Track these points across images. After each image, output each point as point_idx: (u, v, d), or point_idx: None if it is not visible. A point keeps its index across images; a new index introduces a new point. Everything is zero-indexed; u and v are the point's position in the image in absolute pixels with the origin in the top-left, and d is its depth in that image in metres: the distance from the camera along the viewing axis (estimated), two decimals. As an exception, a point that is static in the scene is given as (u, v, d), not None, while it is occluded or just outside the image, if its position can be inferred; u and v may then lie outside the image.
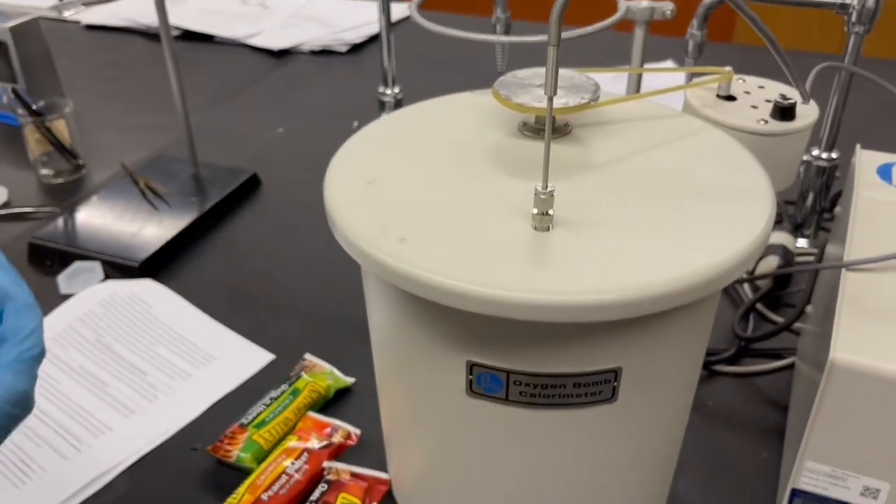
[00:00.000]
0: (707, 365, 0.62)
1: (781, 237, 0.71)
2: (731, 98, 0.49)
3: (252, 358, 0.64)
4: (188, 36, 1.31)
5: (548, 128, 0.35)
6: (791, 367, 0.62)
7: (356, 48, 1.27)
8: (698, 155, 0.43)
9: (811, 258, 0.73)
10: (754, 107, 0.48)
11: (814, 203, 0.75)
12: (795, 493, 0.46)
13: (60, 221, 0.79)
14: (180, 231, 0.78)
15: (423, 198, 0.39)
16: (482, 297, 0.33)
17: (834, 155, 0.72)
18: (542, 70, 0.45)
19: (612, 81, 0.78)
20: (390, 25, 0.83)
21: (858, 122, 0.96)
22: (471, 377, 0.38)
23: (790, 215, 0.77)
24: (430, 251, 0.35)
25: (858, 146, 0.53)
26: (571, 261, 0.35)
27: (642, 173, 0.41)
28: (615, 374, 0.37)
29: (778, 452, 0.55)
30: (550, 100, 0.34)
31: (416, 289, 0.35)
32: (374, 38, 1.30)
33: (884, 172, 0.50)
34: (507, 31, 0.76)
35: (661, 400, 0.40)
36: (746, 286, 0.70)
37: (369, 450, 0.55)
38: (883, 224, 0.46)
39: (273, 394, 0.59)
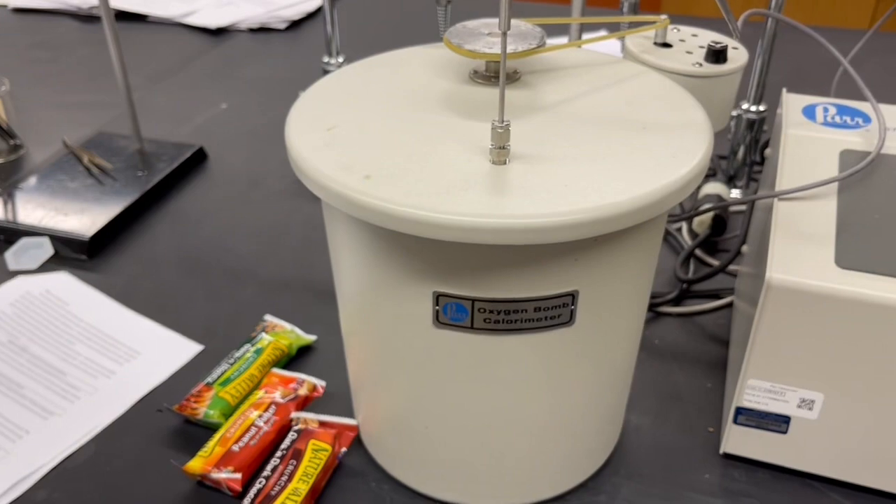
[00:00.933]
0: (652, 307, 0.66)
1: (716, 188, 0.75)
2: (667, 45, 0.52)
3: (179, 350, 0.62)
4: (120, 16, 1.28)
5: (503, 64, 0.37)
6: (729, 305, 0.66)
7: (295, 25, 1.27)
8: (641, 95, 0.45)
9: (744, 207, 0.77)
10: (689, 52, 0.51)
11: (744, 155, 0.79)
12: (739, 410, 0.50)
13: (2, 200, 0.78)
14: (129, 205, 0.77)
15: (383, 139, 0.41)
16: (446, 224, 0.35)
17: (762, 108, 0.76)
18: (491, 20, 0.47)
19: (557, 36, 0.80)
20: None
21: (783, 81, 1.02)
22: (437, 308, 0.40)
23: (723, 169, 0.81)
24: (394, 185, 0.37)
25: (784, 90, 0.56)
26: (528, 189, 0.37)
27: (590, 113, 0.43)
28: (572, 297, 0.40)
29: (721, 382, 0.59)
30: (504, 35, 0.36)
31: (384, 221, 0.36)
32: (312, 15, 1.30)
33: (808, 112, 0.54)
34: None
35: (614, 323, 0.43)
36: (686, 234, 0.74)
37: (335, 401, 0.57)
38: (809, 157, 0.50)
39: (236, 354, 0.59)
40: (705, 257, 0.71)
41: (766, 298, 0.45)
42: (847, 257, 0.44)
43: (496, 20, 0.48)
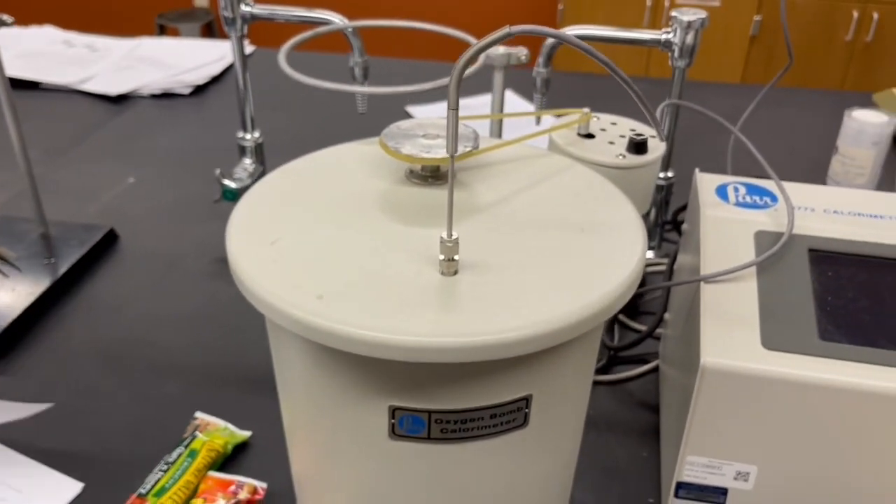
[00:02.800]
0: (584, 376, 0.67)
1: (632, 251, 0.78)
2: (590, 136, 0.54)
3: (54, 490, 0.56)
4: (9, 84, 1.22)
5: (451, 182, 0.38)
6: (656, 369, 0.68)
7: (200, 89, 1.25)
8: (572, 192, 0.47)
9: (660, 268, 0.81)
10: (611, 143, 0.53)
11: (657, 217, 0.83)
12: (680, 485, 0.52)
13: None
14: (38, 297, 0.73)
15: (330, 252, 0.41)
16: (405, 346, 0.35)
17: (670, 174, 0.80)
18: (423, 121, 0.48)
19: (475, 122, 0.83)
20: (246, 70, 0.83)
21: (684, 141, 1.08)
22: (393, 420, 0.40)
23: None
24: (348, 305, 0.37)
25: (697, 170, 0.60)
26: (481, 303, 0.38)
27: (527, 214, 0.45)
28: (526, 401, 0.40)
29: (656, 449, 0.61)
30: (452, 157, 0.37)
31: (340, 343, 0.36)
32: (217, 78, 1.28)
33: (721, 192, 0.57)
34: (365, 76, 0.79)
35: (564, 418, 0.44)
36: (607, 299, 0.77)
37: (278, 502, 0.55)
38: (727, 239, 0.53)
39: (169, 458, 0.57)
40: (628, 321, 0.74)
41: (702, 382, 0.47)
42: (772, 339, 0.47)
43: (429, 120, 0.49)
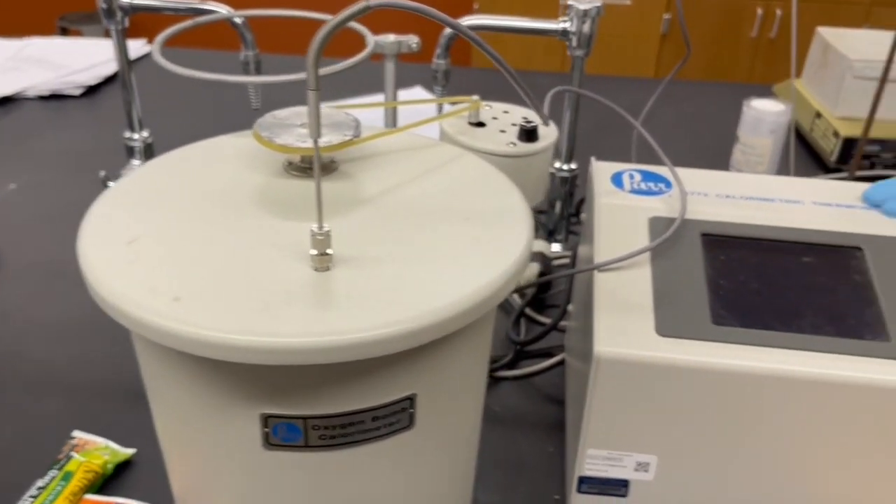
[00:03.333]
0: (489, 373, 0.66)
1: (538, 245, 0.77)
2: (480, 124, 0.52)
3: None
4: None
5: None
6: (562, 363, 0.67)
7: (91, 90, 1.18)
8: (460, 181, 0.45)
9: (566, 261, 0.80)
10: (502, 131, 0.52)
11: (561, 210, 0.82)
12: (582, 480, 0.50)
13: None
14: None
15: (193, 251, 0.38)
16: (270, 349, 0.33)
17: (573, 166, 0.79)
18: (301, 109, 0.46)
19: (368, 112, 0.80)
20: (130, 66, 0.78)
21: (588, 134, 1.08)
22: (266, 430, 0.37)
23: (543, 223, 0.84)
24: (208, 307, 0.34)
25: (593, 159, 0.59)
26: (355, 298, 0.35)
27: (411, 204, 0.42)
28: (411, 401, 0.38)
29: (562, 444, 0.59)
30: (316, 142, 0.35)
31: (198, 349, 0.33)
32: (110, 79, 1.22)
33: (616, 180, 0.56)
34: (258, 69, 0.75)
35: (456, 417, 0.42)
36: (515, 294, 0.75)
37: (162, 523, 0.52)
38: (621, 226, 0.52)
39: (40, 483, 0.52)
40: (535, 315, 0.73)
41: (597, 372, 0.46)
42: (666, 325, 0.46)
43: (304, 109, 0.46)
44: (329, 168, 0.46)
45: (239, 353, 0.33)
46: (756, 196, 0.55)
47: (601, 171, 0.58)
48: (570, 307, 0.67)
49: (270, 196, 0.43)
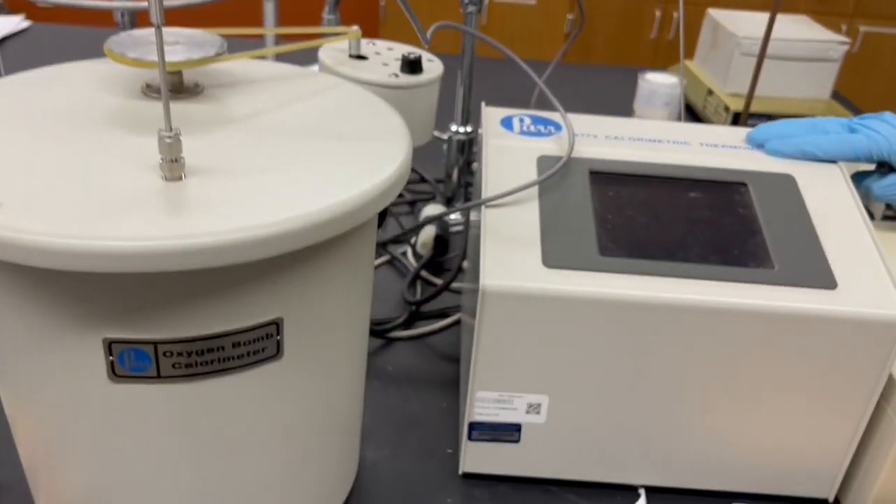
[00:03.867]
0: (383, 333, 0.63)
1: (437, 209, 0.75)
2: (362, 58, 0.50)
3: None
4: None
5: (160, 51, 0.32)
6: (458, 323, 0.65)
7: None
8: (336, 106, 0.43)
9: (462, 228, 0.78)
10: (385, 64, 0.49)
11: (458, 177, 0.80)
12: (473, 426, 0.48)
13: None
14: None
15: (28, 161, 0.34)
16: (109, 253, 0.29)
17: (469, 129, 0.78)
18: (165, 28, 0.42)
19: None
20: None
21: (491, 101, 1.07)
22: (111, 357, 0.33)
23: (441, 192, 0.82)
24: (36, 212, 0.30)
25: (483, 103, 0.57)
26: (208, 204, 0.32)
27: (281, 124, 0.40)
28: (276, 326, 0.35)
29: (456, 400, 0.57)
30: (159, 29, 0.31)
31: (21, 255, 0.29)
32: (-18, 52, 1.13)
33: (506, 123, 0.55)
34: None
35: (330, 349, 0.39)
36: (411, 257, 0.73)
37: (10, 496, 0.46)
38: (510, 165, 0.50)
39: None
40: (432, 278, 0.71)
41: (483, 306, 0.44)
42: (553, 257, 0.45)
43: (172, 28, 0.43)
44: (193, 91, 0.42)
45: (72, 260, 0.29)
46: (645, 138, 0.54)
47: (491, 115, 0.56)
48: (465, 264, 0.65)
49: (126, 116, 0.39)
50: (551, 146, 0.52)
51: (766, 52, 0.93)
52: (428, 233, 0.72)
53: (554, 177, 0.49)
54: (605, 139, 0.54)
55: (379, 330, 0.63)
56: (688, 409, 0.47)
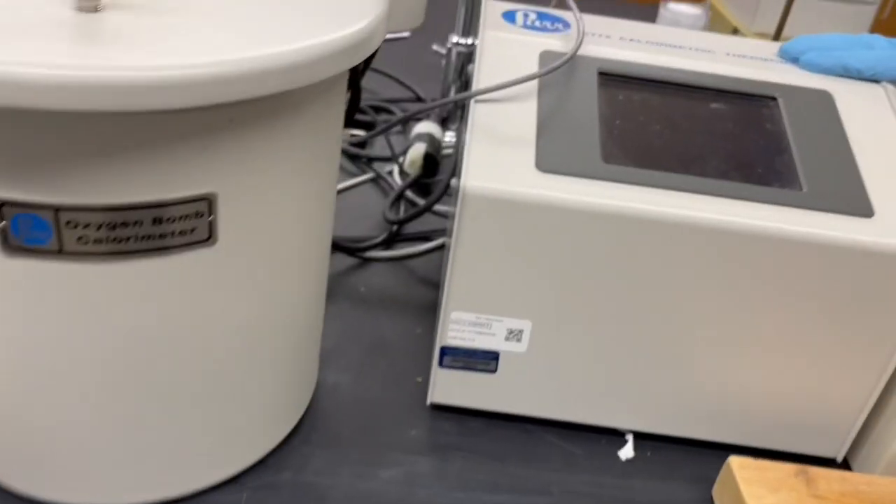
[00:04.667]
0: (359, 252, 0.57)
1: (429, 127, 0.69)
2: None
3: None
4: None
5: None
6: (442, 247, 0.60)
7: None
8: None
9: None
10: (372, -69, 0.42)
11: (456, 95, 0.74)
12: (444, 351, 0.43)
13: None
14: None
15: None
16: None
17: (470, 41, 0.71)
18: None
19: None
20: None
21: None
22: (3, 223, 0.27)
23: (437, 112, 0.76)
24: None
25: (484, -3, 0.51)
26: (129, 39, 0.26)
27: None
28: (209, 203, 0.29)
29: (432, 326, 0.52)
30: None
31: None
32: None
33: (508, 17, 0.48)
34: None
35: (278, 242, 0.33)
36: (398, 177, 0.67)
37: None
38: (508, 58, 0.44)
39: None
40: (417, 199, 0.65)
41: (462, 210, 0.38)
42: (548, 160, 0.38)
43: None
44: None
45: (-63, 87, 0.23)
46: (665, 43, 0.48)
47: (493, 8, 0.49)
48: (454, 182, 0.59)
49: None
50: (557, 42, 0.46)
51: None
52: (417, 150, 0.66)
53: (557, 73, 0.42)
54: (619, 40, 0.47)
55: (353, 248, 0.57)
56: (688, 347, 0.41)
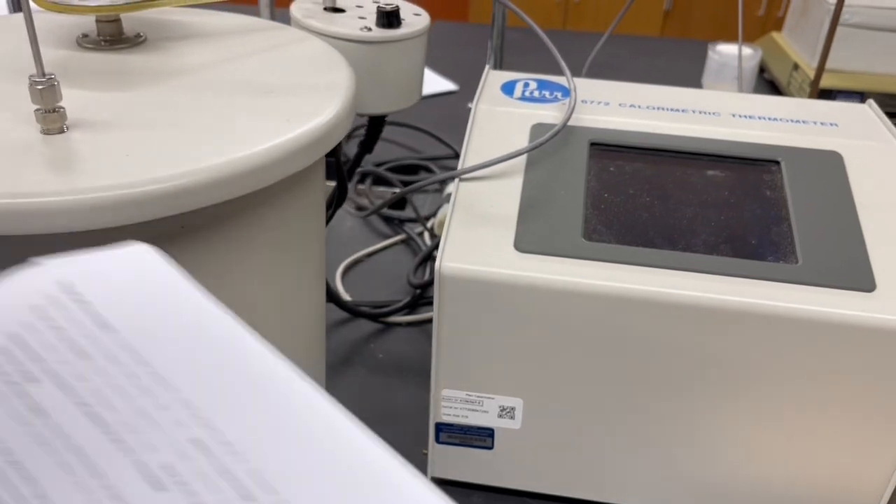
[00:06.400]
0: (381, 317, 0.58)
1: (460, 186, 0.70)
2: (339, 10, 0.45)
3: None
4: None
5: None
6: (466, 310, 0.60)
7: None
8: (284, 62, 0.38)
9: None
10: (363, 17, 0.44)
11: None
12: (440, 427, 0.43)
13: None
14: None
15: None
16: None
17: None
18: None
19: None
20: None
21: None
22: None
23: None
24: None
25: (488, 66, 0.51)
26: (96, 161, 0.28)
27: (212, 79, 0.35)
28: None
29: (445, 395, 0.52)
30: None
31: None
32: None
33: (507, 88, 0.48)
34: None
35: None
36: (429, 240, 0.68)
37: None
38: (497, 133, 0.44)
39: None
40: (446, 260, 0.65)
41: (441, 292, 0.38)
42: (527, 240, 0.38)
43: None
44: (133, 41, 0.38)
45: None
46: (667, 107, 0.47)
47: (494, 78, 0.50)
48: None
49: (48, 67, 0.36)
50: (551, 113, 0.46)
51: (864, 22, 0.82)
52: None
53: (547, 146, 0.42)
54: (617, 107, 0.46)
55: (375, 314, 0.58)
56: (685, 424, 0.40)
